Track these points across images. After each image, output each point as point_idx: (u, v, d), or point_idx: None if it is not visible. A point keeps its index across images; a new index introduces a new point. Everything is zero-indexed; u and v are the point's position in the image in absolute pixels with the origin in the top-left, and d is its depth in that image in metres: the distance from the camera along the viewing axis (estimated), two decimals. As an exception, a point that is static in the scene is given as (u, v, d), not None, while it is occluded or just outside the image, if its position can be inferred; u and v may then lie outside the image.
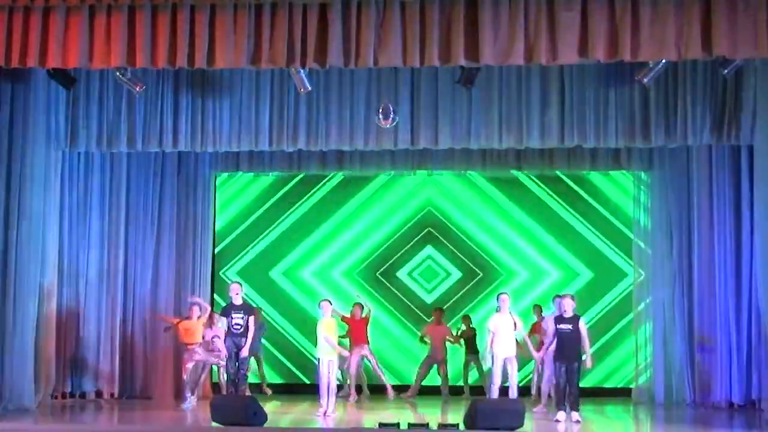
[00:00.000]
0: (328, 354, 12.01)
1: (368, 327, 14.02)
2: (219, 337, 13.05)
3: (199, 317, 13.42)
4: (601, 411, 13.06)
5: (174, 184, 14.83)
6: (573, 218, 15.57)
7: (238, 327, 12.36)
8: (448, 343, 14.63)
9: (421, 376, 14.65)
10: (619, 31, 10.01)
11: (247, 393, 12.87)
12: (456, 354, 14.88)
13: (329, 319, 12.14)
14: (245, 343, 12.34)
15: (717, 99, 12.18)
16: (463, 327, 14.79)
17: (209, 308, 13.88)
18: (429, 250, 15.85)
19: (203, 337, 13.18)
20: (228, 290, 12.92)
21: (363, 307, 14.04)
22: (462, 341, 14.73)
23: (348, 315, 13.92)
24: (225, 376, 12.91)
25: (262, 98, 12.60)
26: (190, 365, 13.10)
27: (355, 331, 13.91)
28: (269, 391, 14.58)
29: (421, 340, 14.85)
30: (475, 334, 14.54)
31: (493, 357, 11.98)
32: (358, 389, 14.32)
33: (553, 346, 11.66)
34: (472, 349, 14.58)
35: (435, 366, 14.58)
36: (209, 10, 10.40)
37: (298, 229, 15.91)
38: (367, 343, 13.94)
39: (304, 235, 15.92)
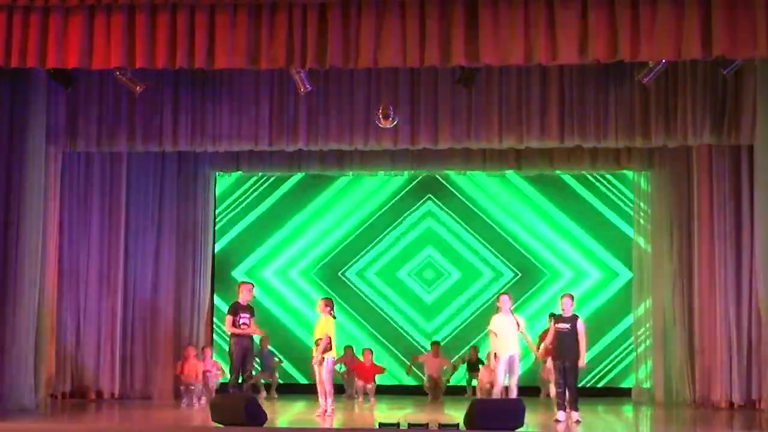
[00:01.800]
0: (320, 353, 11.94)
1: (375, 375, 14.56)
2: (211, 372, 13.51)
3: (195, 355, 13.55)
4: (601, 411, 13.05)
5: (174, 184, 14.83)
6: (616, 217, 15.55)
7: (244, 327, 12.33)
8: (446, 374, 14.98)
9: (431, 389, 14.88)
10: (619, 31, 9.99)
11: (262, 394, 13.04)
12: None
13: (324, 318, 12.06)
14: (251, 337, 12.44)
15: (717, 99, 12.18)
16: (470, 354, 14.96)
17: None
18: (429, 250, 15.93)
19: (196, 375, 13.47)
20: (238, 289, 12.87)
21: (372, 353, 14.68)
22: (465, 364, 15.02)
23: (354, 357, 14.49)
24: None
25: (262, 98, 12.60)
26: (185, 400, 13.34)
27: (360, 374, 14.43)
28: (275, 396, 14.65)
29: (410, 369, 15.09)
30: (479, 361, 14.71)
31: (496, 357, 11.97)
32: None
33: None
34: (474, 369, 14.75)
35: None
36: (209, 10, 10.39)
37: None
38: (372, 381, 14.49)
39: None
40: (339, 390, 14.31)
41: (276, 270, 15.95)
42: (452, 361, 15.05)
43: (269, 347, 14.88)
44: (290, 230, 16.00)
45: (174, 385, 14.11)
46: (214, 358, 13.86)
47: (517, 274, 15.66)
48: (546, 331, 13.27)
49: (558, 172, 15.24)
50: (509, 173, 15.47)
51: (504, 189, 15.85)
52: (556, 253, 15.67)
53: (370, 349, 14.90)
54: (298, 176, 15.85)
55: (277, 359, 15.03)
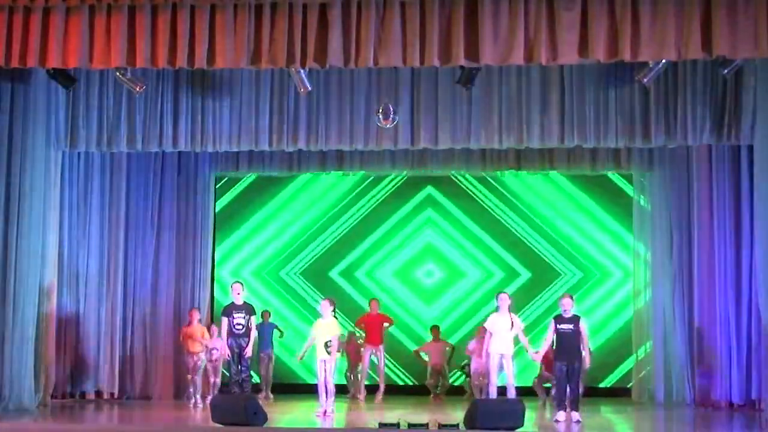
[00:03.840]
0: (323, 354, 11.96)
1: (383, 327, 14.27)
2: (217, 349, 13.35)
3: (199, 320, 13.49)
4: (601, 411, 13.04)
5: (174, 184, 14.83)
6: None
7: (240, 327, 12.34)
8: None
9: (433, 385, 14.81)
10: (619, 31, 10.00)
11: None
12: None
13: (327, 320, 12.06)
14: (248, 344, 12.35)
15: (717, 99, 12.17)
16: (467, 361, 14.86)
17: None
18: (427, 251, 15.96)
19: (206, 346, 13.37)
20: (229, 290, 12.93)
21: (379, 304, 14.43)
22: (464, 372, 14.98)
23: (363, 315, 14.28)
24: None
25: (262, 98, 12.59)
26: (195, 372, 13.26)
27: (369, 329, 14.15)
28: (271, 397, 14.55)
29: (417, 355, 14.98)
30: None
31: (489, 356, 11.97)
32: (367, 388, 14.39)
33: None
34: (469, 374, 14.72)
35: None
36: (209, 10, 10.39)
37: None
38: (381, 343, 14.23)
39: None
40: (342, 390, 14.38)
41: (231, 270, 15.86)
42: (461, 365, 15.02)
43: (270, 321, 14.72)
44: (247, 231, 15.99)
45: (174, 384, 14.11)
46: (218, 337, 13.48)
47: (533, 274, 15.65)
48: None
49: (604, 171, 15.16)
50: (553, 173, 15.36)
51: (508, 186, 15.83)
52: (606, 254, 15.52)
53: (377, 299, 14.75)
54: (252, 176, 15.86)
55: (278, 333, 14.83)
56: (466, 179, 15.79)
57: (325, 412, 11.83)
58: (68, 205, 13.84)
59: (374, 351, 14.30)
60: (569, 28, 10.04)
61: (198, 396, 13.27)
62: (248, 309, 12.54)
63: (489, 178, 15.71)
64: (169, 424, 11.45)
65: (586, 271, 15.53)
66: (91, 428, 11.13)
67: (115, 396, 14.02)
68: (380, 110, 12.13)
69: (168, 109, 12.73)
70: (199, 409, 12.79)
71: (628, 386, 14.96)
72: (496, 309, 12.28)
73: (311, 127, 12.58)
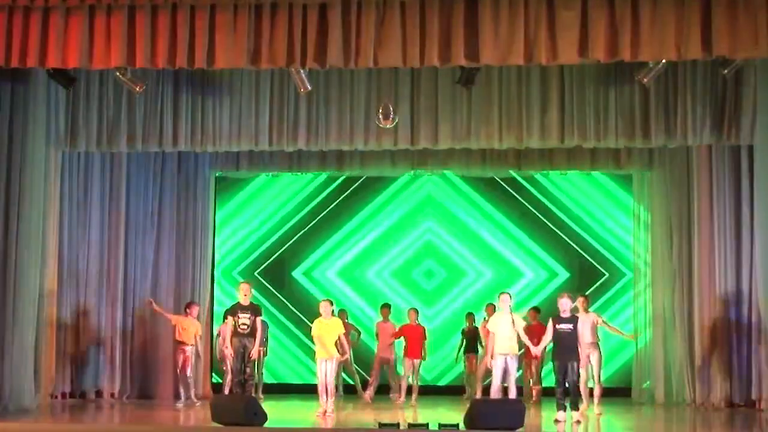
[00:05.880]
0: (323, 354, 11.96)
1: (424, 341, 13.76)
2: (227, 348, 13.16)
3: (198, 316, 13.48)
4: (602, 411, 13.02)
5: (174, 184, 14.83)
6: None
7: (245, 327, 12.31)
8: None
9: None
10: (619, 31, 10.01)
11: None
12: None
13: (326, 319, 12.07)
14: (254, 344, 12.32)
15: (717, 99, 12.18)
16: (466, 324, 14.76)
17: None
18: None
19: (196, 333, 13.40)
20: (237, 290, 12.88)
21: (417, 314, 14.03)
22: (464, 340, 14.73)
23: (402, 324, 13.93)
24: (229, 376, 12.97)
25: (262, 98, 12.60)
26: (185, 369, 13.23)
27: (408, 340, 13.79)
28: (261, 397, 14.52)
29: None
30: (477, 334, 14.48)
31: (492, 356, 11.96)
32: (408, 390, 13.91)
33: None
34: (471, 349, 14.53)
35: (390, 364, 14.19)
36: (209, 10, 10.40)
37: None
38: (420, 357, 13.67)
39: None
40: (350, 390, 14.43)
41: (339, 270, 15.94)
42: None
43: (262, 318, 14.68)
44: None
45: (174, 384, 14.10)
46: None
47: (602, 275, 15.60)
48: (530, 327, 13.25)
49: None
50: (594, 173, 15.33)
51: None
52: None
53: (415, 310, 14.17)
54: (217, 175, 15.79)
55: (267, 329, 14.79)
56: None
57: (325, 412, 11.83)
58: (68, 205, 13.83)
59: (413, 363, 13.73)
60: (569, 28, 10.05)
61: (191, 393, 13.28)
62: (254, 309, 12.51)
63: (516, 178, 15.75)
64: (169, 424, 11.45)
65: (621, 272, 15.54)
66: (91, 428, 11.12)
67: (115, 396, 14.02)
68: (380, 110, 12.13)
69: (168, 109, 12.73)
70: (185, 407, 12.76)
71: (629, 386, 14.94)
72: (499, 309, 12.28)
73: (311, 127, 12.59)
